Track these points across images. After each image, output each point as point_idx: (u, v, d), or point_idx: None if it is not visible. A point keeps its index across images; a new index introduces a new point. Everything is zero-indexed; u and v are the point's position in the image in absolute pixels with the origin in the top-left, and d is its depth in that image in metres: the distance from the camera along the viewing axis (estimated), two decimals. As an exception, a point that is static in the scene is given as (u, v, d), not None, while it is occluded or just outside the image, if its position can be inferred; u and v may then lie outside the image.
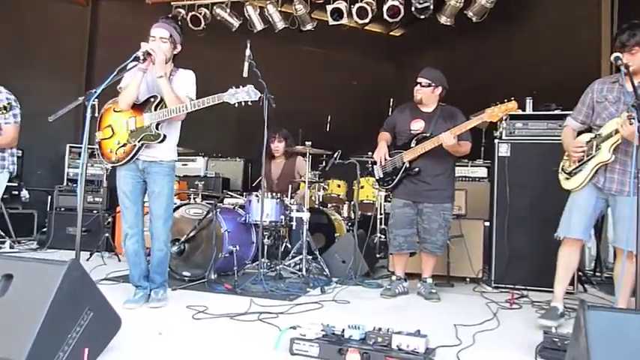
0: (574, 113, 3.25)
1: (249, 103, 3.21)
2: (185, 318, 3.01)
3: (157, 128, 3.26)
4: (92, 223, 5.65)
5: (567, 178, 3.17)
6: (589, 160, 3.03)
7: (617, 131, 2.85)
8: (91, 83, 7.36)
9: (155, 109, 3.27)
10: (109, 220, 5.60)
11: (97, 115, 3.40)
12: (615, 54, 2.85)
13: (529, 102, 4.45)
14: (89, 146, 2.92)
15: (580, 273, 4.37)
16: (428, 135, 3.83)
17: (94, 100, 2.64)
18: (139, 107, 3.31)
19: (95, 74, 7.84)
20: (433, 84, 3.88)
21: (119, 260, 5.08)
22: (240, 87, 3.18)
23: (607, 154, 2.93)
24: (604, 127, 3.00)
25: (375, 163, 4.09)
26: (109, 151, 3.34)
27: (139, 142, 3.26)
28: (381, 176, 4.04)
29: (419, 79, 3.92)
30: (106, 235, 5.37)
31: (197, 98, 3.32)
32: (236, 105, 3.19)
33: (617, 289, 2.97)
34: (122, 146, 3.30)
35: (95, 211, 5.86)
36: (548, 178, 4.21)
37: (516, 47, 6.97)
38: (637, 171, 2.41)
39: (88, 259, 4.97)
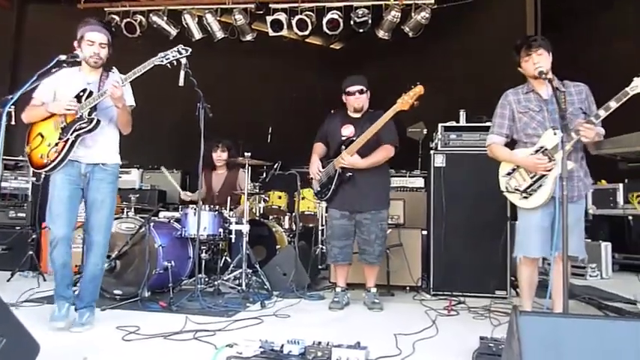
0: (496, 129, 3.24)
1: (183, 62, 3.18)
2: (114, 340, 2.83)
3: (89, 115, 3.05)
4: (14, 240, 5.26)
5: (525, 197, 3.07)
6: (547, 175, 2.98)
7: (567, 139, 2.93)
8: (16, 88, 6.93)
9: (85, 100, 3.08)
10: (34, 236, 5.21)
11: (12, 122, 3.15)
12: (536, 65, 2.97)
13: (462, 114, 4.60)
14: (11, 158, 2.71)
15: (512, 278, 4.54)
16: (354, 139, 3.83)
17: (10, 107, 2.44)
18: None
19: (21, 79, 7.38)
20: (365, 87, 3.95)
21: (44, 280, 4.72)
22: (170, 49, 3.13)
23: (568, 163, 2.88)
24: (544, 139, 3.01)
25: (311, 179, 4.08)
26: (39, 156, 3.06)
27: (72, 134, 3.01)
28: (318, 189, 4.03)
29: (357, 88, 3.92)
30: (30, 253, 5.00)
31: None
32: (169, 66, 3.12)
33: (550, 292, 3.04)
34: (54, 146, 3.03)
35: (18, 227, 5.45)
36: (482, 187, 4.38)
37: (451, 61, 7.26)
38: (562, 179, 2.49)
39: (9, 280, 4.61)
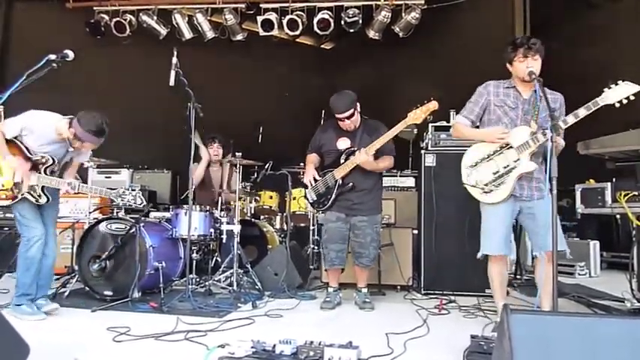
0: (465, 112, 3.29)
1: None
2: (105, 341, 2.81)
3: (42, 190, 3.39)
4: (3, 241, 5.20)
5: (486, 192, 3.13)
6: (509, 171, 3.05)
7: (534, 140, 2.98)
8: (3, 87, 6.86)
9: (45, 173, 3.40)
10: (22, 237, 5.16)
11: (2, 122, 3.17)
12: (529, 68, 3.01)
13: (452, 114, 4.62)
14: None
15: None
16: (356, 149, 3.83)
17: (-2, 107, 2.41)
18: (28, 157, 3.36)
19: (8, 78, 7.31)
20: (353, 109, 3.81)
21: (33, 281, 4.68)
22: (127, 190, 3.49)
23: (530, 164, 3.01)
24: (511, 137, 3.05)
25: (306, 186, 4.04)
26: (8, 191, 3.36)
27: (20, 194, 3.34)
28: (315, 198, 3.99)
29: (343, 115, 3.78)
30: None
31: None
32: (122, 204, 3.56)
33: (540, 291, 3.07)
34: (4, 190, 3.33)
35: (7, 228, 5.39)
36: (472, 186, 4.41)
37: (441, 62, 7.30)
38: (551, 178, 2.51)
39: (-4, 281, 4.55)
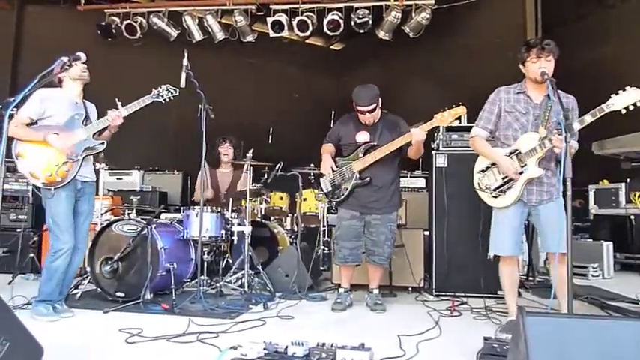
0: (482, 123, 3.29)
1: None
2: (117, 342, 2.82)
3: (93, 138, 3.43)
4: (15, 242, 5.24)
5: (494, 197, 3.17)
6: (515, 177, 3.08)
7: (541, 147, 2.97)
8: (16, 91, 6.95)
9: (84, 124, 3.44)
10: (35, 239, 5.21)
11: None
12: (541, 68, 2.99)
13: (463, 115, 4.58)
14: (12, 160, 2.74)
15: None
16: (376, 144, 3.82)
17: (12, 110, 2.43)
18: (64, 127, 3.38)
19: (21, 81, 7.39)
20: (376, 103, 3.79)
21: (46, 282, 4.72)
22: (160, 87, 3.53)
23: (537, 170, 3.04)
24: (520, 143, 3.08)
25: (321, 176, 4.00)
26: (48, 175, 3.32)
27: (81, 156, 3.36)
28: (330, 189, 3.96)
29: (366, 108, 3.74)
30: (32, 255, 5.00)
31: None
32: (163, 101, 3.55)
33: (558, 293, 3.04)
34: (63, 165, 3.31)
35: (19, 230, 5.44)
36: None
37: (452, 62, 7.26)
38: (565, 179, 2.49)
39: (10, 282, 4.60)
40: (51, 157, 3.33)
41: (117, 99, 3.44)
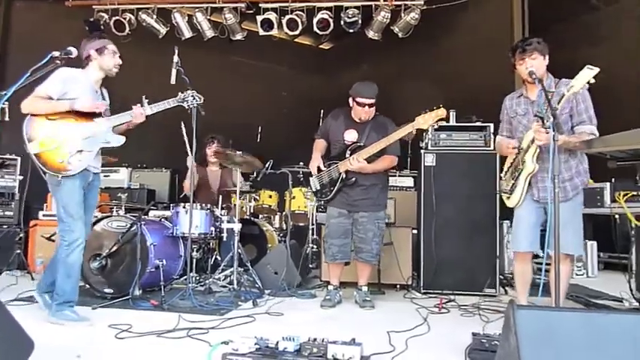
0: (499, 131, 3.48)
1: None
2: (107, 338, 2.81)
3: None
4: (2, 238, 5.19)
5: (508, 197, 3.32)
6: (519, 175, 3.17)
7: (532, 142, 3.02)
8: (3, 86, 6.84)
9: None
10: (21, 235, 5.14)
11: (6, 119, 3.13)
12: (528, 68, 3.04)
13: (452, 114, 4.65)
14: None
15: (501, 276, 4.61)
16: (362, 145, 3.85)
17: (3, 104, 2.41)
18: (84, 114, 3.23)
19: (8, 76, 7.29)
20: (375, 99, 3.83)
21: (32, 279, 4.68)
22: (186, 91, 3.49)
23: (531, 165, 3.08)
24: (523, 141, 3.17)
25: (311, 174, 4.04)
26: (60, 161, 3.12)
27: (98, 147, 3.27)
28: (318, 188, 4.00)
29: (369, 101, 3.80)
30: (18, 251, 4.94)
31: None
32: (187, 108, 3.53)
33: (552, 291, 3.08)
34: (76, 153, 3.17)
35: (5, 226, 5.38)
36: (471, 187, 4.44)
37: (441, 62, 7.33)
38: (554, 176, 2.54)
39: (-5, 280, 4.54)
40: (63, 143, 3.13)
41: (144, 97, 3.35)
